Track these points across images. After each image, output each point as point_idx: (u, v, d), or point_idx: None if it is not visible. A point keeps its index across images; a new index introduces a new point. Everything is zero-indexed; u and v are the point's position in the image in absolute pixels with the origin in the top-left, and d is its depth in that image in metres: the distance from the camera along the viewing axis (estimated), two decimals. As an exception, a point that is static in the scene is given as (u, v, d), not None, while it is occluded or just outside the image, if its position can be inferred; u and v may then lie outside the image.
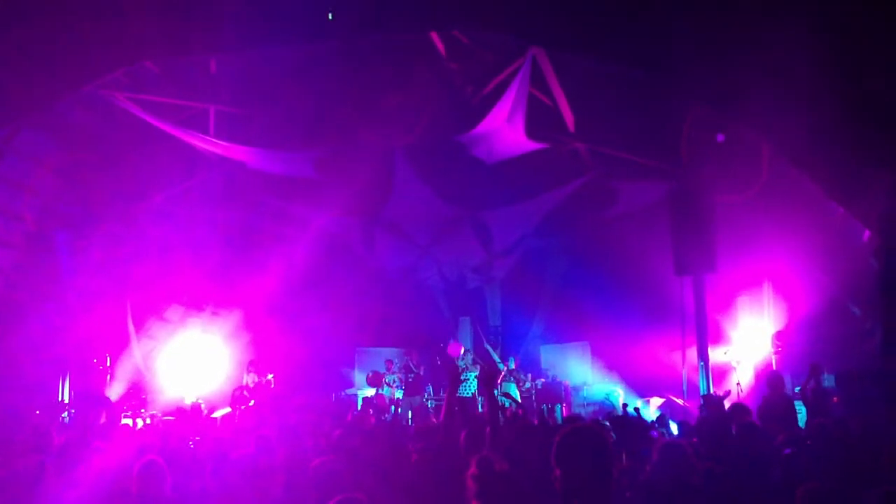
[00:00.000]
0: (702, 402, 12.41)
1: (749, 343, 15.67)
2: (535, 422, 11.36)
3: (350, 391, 19.94)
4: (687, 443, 5.84)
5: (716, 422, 9.94)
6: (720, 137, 13.56)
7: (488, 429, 6.33)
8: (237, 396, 16.12)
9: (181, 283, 17.81)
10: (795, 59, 9.80)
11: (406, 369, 18.08)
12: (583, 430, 3.74)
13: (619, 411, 13.37)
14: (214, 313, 19.33)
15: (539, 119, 13.85)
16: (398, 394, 18.08)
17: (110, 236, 16.10)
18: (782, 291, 15.00)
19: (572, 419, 9.41)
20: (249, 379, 17.19)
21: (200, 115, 14.40)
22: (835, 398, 11.44)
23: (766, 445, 7.12)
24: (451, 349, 19.45)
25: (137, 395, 16.71)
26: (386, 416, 16.92)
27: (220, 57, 13.57)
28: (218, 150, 14.44)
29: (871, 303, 12.58)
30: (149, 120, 13.28)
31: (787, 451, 6.18)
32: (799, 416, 11.55)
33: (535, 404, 17.43)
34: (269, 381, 17.06)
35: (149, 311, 17.87)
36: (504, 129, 13.76)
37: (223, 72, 13.97)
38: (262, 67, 13.62)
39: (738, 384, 15.01)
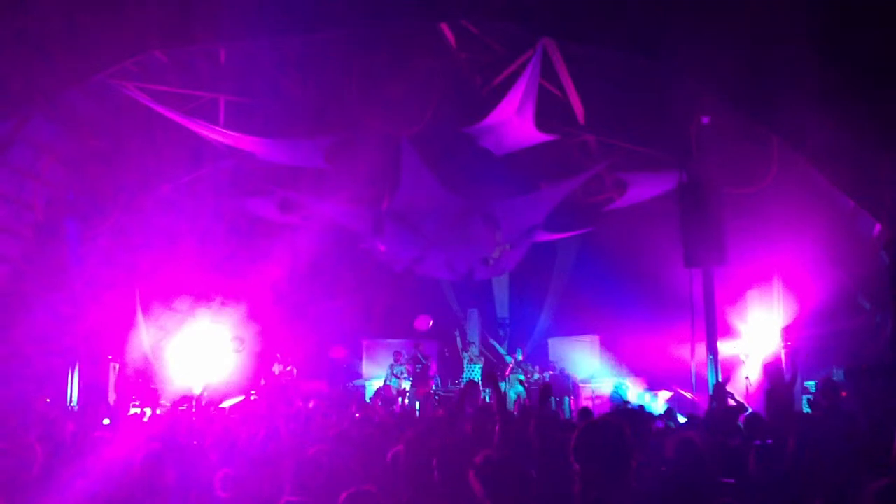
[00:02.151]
0: (711, 392, 12.38)
1: (758, 337, 15.61)
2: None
3: (357, 382, 19.97)
4: (699, 437, 5.81)
5: (722, 413, 9.95)
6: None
7: (498, 423, 6.29)
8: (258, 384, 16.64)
9: (189, 273, 17.85)
10: (807, 52, 9.73)
11: (414, 360, 18.10)
12: (600, 424, 3.71)
13: (630, 404, 13.32)
14: (223, 304, 19.37)
15: (549, 111, 13.80)
16: (406, 385, 18.10)
17: (118, 226, 16.10)
18: (792, 285, 14.93)
19: (585, 413, 9.42)
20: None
21: (210, 105, 14.39)
22: (843, 392, 11.37)
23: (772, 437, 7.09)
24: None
25: (146, 384, 16.75)
26: (394, 407, 16.96)
27: (229, 46, 13.55)
28: (227, 141, 14.43)
29: (881, 296, 12.51)
30: (159, 110, 13.26)
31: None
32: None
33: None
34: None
35: (158, 302, 17.91)
36: (514, 121, 13.72)
37: (232, 61, 13.95)
38: (270, 57, 13.58)
39: (746, 378, 14.96)
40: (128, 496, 5.43)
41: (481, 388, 16.85)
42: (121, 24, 11.02)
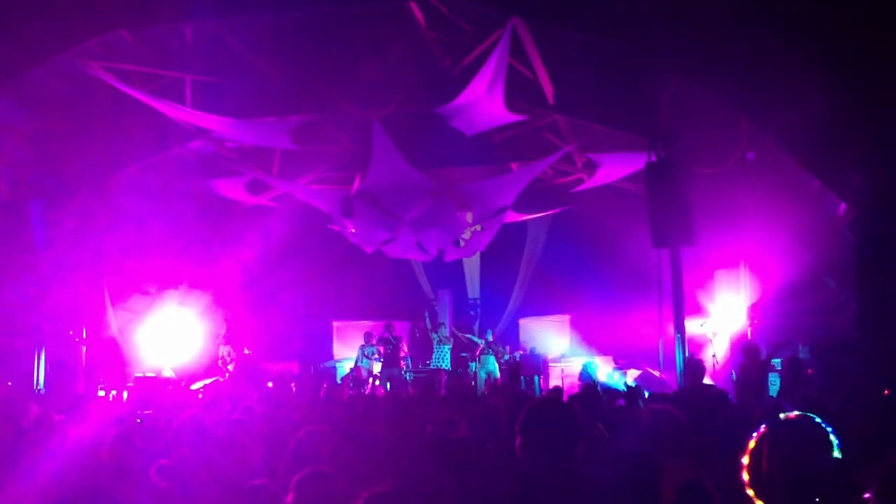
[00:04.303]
0: (683, 369, 12.52)
1: (725, 315, 15.78)
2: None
3: (329, 363, 19.95)
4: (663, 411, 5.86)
5: (692, 390, 10.03)
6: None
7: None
8: (215, 368, 16.26)
9: (157, 254, 17.67)
10: (777, 30, 9.79)
11: (385, 342, 18.07)
12: (551, 402, 3.76)
13: (601, 384, 13.42)
14: (191, 286, 19.22)
15: (519, 91, 13.78)
16: (376, 367, 18.09)
17: (84, 207, 15.90)
18: (759, 264, 15.08)
19: (556, 391, 9.49)
20: (225, 351, 17.20)
21: (176, 85, 14.20)
22: (809, 370, 11.52)
23: (740, 415, 7.17)
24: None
25: (114, 366, 16.61)
26: (363, 388, 16.96)
27: (196, 25, 13.37)
28: (194, 121, 14.27)
29: (846, 275, 12.67)
30: (124, 89, 13.09)
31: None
32: (772, 387, 11.71)
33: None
34: (245, 354, 17.13)
35: (125, 283, 17.74)
36: (483, 101, 13.67)
37: (199, 41, 13.77)
38: (238, 36, 13.42)
39: (713, 356, 15.13)
40: (94, 479, 5.39)
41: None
42: (86, 2, 10.86)
